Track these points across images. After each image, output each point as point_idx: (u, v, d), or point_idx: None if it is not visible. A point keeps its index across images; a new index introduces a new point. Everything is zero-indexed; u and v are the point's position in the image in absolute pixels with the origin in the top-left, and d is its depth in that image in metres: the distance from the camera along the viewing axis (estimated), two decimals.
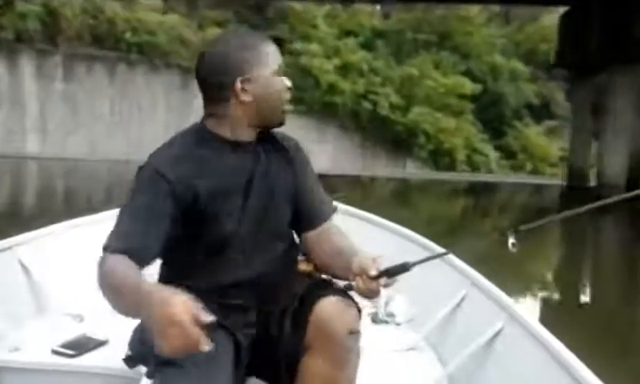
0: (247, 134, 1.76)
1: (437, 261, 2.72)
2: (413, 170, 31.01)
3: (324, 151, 29.41)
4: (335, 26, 30.81)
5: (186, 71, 26.91)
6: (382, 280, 1.73)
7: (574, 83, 24.79)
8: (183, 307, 1.29)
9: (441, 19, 33.85)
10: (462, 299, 3.00)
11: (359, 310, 1.77)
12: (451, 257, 3.21)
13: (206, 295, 1.49)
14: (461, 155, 32.49)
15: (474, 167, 33.36)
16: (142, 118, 26.61)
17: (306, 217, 1.86)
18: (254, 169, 1.76)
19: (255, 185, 1.75)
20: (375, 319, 3.12)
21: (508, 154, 35.42)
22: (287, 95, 1.83)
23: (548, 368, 2.24)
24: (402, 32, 33.03)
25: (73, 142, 25.27)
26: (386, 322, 3.12)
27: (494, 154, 34.33)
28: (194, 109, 27.95)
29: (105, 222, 3.01)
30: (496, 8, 36.85)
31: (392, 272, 1.78)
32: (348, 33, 30.90)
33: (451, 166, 32.54)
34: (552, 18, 38.76)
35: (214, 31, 27.04)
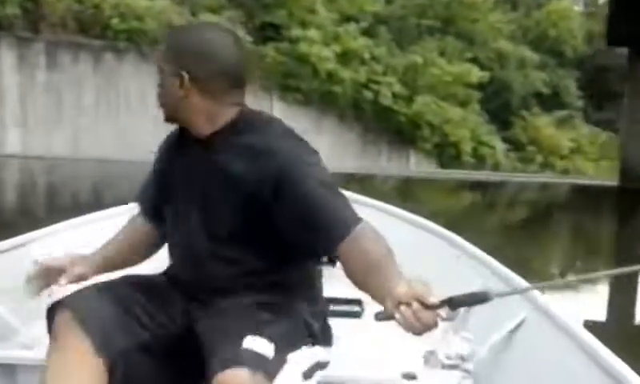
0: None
1: (454, 250, 3.21)
2: (425, 169, 29.88)
3: (321, 143, 28.30)
4: (335, 10, 29.67)
5: None
6: (443, 310, 1.52)
7: (633, 61, 22.72)
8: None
9: (445, 4, 32.77)
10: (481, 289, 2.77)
11: None
12: (472, 247, 3.31)
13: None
14: (467, 147, 31.45)
15: (479, 160, 32.32)
16: (130, 110, 25.58)
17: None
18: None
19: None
20: (435, 362, 2.76)
21: (516, 145, 34.40)
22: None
23: (574, 358, 2.21)
24: (405, 17, 31.95)
25: (56, 137, 24.26)
26: (454, 367, 2.74)
27: (501, 146, 33.28)
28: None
29: (119, 216, 3.13)
30: None
31: (461, 302, 1.60)
32: (348, 18, 29.74)
33: (456, 159, 31.53)
34: (561, 2, 37.80)
35: (206, 17, 26.06)
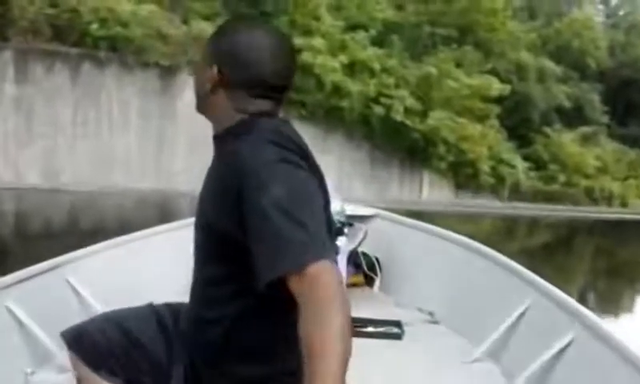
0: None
1: (498, 268, 3.46)
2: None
3: (327, 163, 25.34)
4: (341, 17, 26.74)
5: (165, 71, 23.08)
6: None
7: None
8: None
9: (462, 12, 29.73)
10: (527, 308, 2.99)
11: None
12: (514, 264, 3.32)
13: None
14: (485, 166, 28.44)
15: (498, 180, 29.31)
16: (112, 128, 22.67)
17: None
18: None
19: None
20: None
21: (537, 164, 31.33)
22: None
23: (627, 380, 2.17)
24: (418, 26, 28.95)
25: (27, 160, 21.34)
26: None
27: (522, 165, 30.21)
28: (177, 114, 24.25)
29: (148, 238, 3.37)
30: (518, 1, 32.88)
31: None
32: (356, 26, 26.78)
33: (474, 179, 28.53)
34: (583, 12, 34.97)
35: (200, 26, 23.28)
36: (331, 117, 25.79)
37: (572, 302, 2.76)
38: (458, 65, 28.67)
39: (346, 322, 1.33)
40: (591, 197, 31.81)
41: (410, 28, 28.86)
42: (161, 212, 14.81)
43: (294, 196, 1.44)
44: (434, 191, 28.19)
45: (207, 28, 21.04)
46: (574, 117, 33.13)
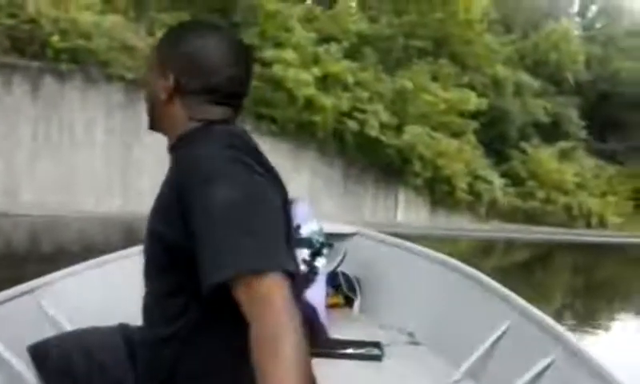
0: None
1: (479, 287, 3.47)
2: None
3: (299, 181, 25.36)
4: (314, 29, 26.73)
5: (131, 84, 22.81)
6: None
7: None
8: None
9: (437, 24, 29.94)
10: (508, 329, 3.07)
11: None
12: (495, 284, 3.39)
13: None
14: (462, 183, 28.53)
15: (475, 197, 29.45)
16: (75, 144, 22.34)
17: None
18: None
19: None
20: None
21: (514, 180, 31.56)
22: None
23: None
24: (392, 38, 29.02)
25: None
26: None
27: (499, 182, 30.40)
28: (143, 130, 23.82)
29: (126, 259, 3.36)
30: (495, 14, 33.19)
31: None
32: (329, 38, 26.78)
33: (450, 196, 28.64)
34: (561, 25, 35.41)
35: None
36: (303, 132, 25.72)
37: (552, 323, 2.82)
38: (434, 78, 28.82)
39: (299, 346, 1.27)
40: (570, 214, 32.11)
41: (384, 40, 28.97)
42: (128, 234, 14.58)
43: (245, 199, 1.40)
44: (409, 209, 28.25)
45: None
46: (551, 132, 33.48)
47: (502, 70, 32.14)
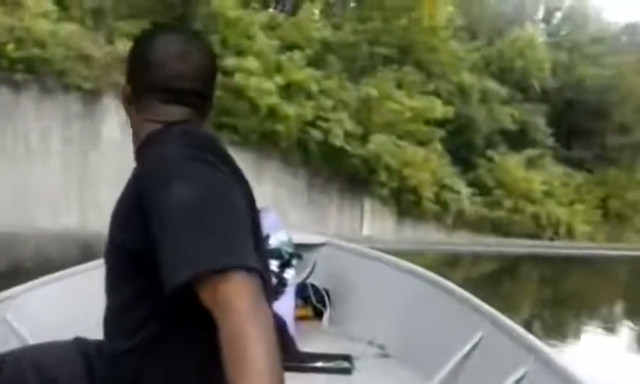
0: None
1: (451, 298, 3.45)
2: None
3: (262, 192, 25.29)
4: (276, 37, 26.75)
5: (88, 94, 22.65)
6: None
7: None
8: None
9: (402, 31, 30.18)
10: (480, 340, 3.05)
11: None
12: (467, 295, 3.37)
13: None
14: (428, 193, 28.74)
15: (442, 207, 29.66)
16: (31, 156, 22.09)
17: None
18: None
19: None
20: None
21: (481, 189, 31.86)
22: None
23: None
24: (357, 45, 29.18)
25: None
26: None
27: (466, 191, 30.67)
28: (101, 141, 23.80)
29: (88, 272, 3.37)
30: (459, 21, 33.54)
31: None
32: (292, 46, 26.84)
33: (416, 206, 28.82)
34: (526, 31, 35.87)
35: (126, 46, 22.93)
36: (266, 142, 25.74)
37: (525, 334, 2.81)
38: (399, 86, 29.02)
39: (270, 348, 1.22)
40: (538, 223, 32.49)
41: (348, 48, 29.14)
42: (86, 250, 14.44)
43: (206, 197, 1.37)
44: (375, 219, 28.39)
45: None
46: (518, 139, 33.87)
47: (467, 77, 32.46)
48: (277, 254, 4.26)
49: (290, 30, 27.70)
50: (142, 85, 1.65)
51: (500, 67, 34.94)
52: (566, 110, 36.88)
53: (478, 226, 31.09)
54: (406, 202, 28.62)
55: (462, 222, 30.46)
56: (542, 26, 41.10)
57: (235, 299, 1.25)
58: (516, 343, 2.80)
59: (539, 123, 34.98)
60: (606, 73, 37.69)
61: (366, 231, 28.00)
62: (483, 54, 34.70)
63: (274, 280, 4.13)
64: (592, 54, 38.78)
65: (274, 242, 4.34)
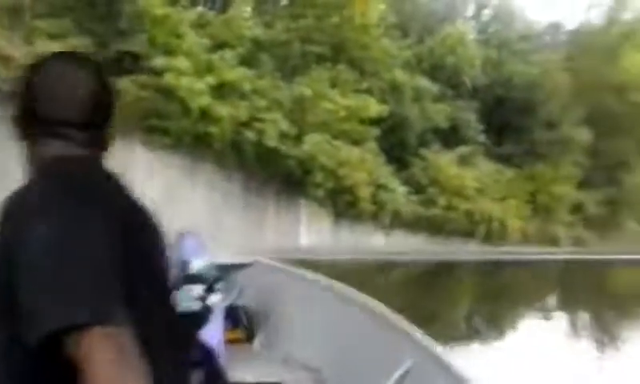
0: None
1: (382, 322, 3.48)
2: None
3: (196, 197, 24.18)
4: (206, 35, 25.49)
5: (6, 97, 20.80)
6: None
7: None
8: None
9: (334, 28, 29.29)
10: (411, 367, 3.05)
11: None
12: (397, 320, 3.41)
13: None
14: (365, 193, 27.93)
15: (379, 206, 28.92)
16: None
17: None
18: None
19: None
20: None
21: (416, 187, 31.24)
22: None
23: None
24: (289, 43, 28.13)
25: None
26: None
27: (401, 189, 30.00)
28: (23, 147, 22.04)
29: None
30: (391, 18, 32.88)
31: None
32: (223, 45, 25.63)
33: (353, 207, 27.99)
34: (456, 28, 35.55)
35: (46, 46, 21.41)
36: (199, 144, 24.48)
37: (453, 361, 2.88)
38: (333, 85, 28.11)
39: None
40: (471, 220, 32.12)
41: (281, 46, 28.07)
42: None
43: (63, 242, 1.28)
44: (312, 221, 27.43)
45: (55, 48, 19.28)
46: (451, 137, 33.41)
47: (400, 75, 31.81)
48: (199, 279, 4.02)
49: (220, 28, 26.44)
50: (27, 116, 1.54)
51: (431, 64, 34.39)
52: (496, 106, 36.65)
53: (413, 225, 30.48)
54: (342, 203, 27.75)
55: (398, 221, 29.78)
56: (472, 23, 40.79)
57: (92, 357, 1.20)
58: (444, 371, 2.83)
59: (471, 120, 34.59)
60: (533, 70, 37.69)
61: (303, 233, 27.04)
62: (415, 52, 34.09)
63: (199, 306, 3.90)
64: (520, 52, 38.71)
65: (195, 266, 4.14)
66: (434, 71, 34.22)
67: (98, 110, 1.53)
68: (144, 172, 23.18)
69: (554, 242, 35.60)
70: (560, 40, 44.17)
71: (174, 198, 23.90)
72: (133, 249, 1.38)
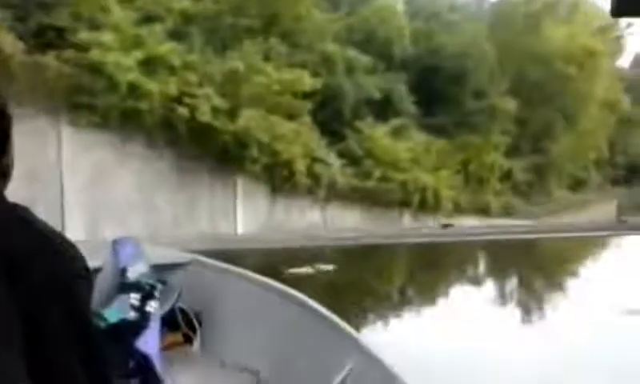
0: None
1: (322, 322, 3.39)
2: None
3: (125, 177, 23.07)
4: (133, 8, 24.26)
5: None
6: None
7: None
8: None
9: (265, 0, 28.27)
10: (351, 370, 3.01)
11: None
12: (338, 320, 3.41)
13: None
14: (301, 166, 27.22)
15: (314, 180, 28.25)
16: None
17: None
18: None
19: None
20: None
21: (352, 160, 30.68)
22: None
23: None
24: (219, 16, 27.01)
25: None
26: None
27: (337, 162, 29.39)
28: None
29: None
30: None
31: None
32: (150, 18, 24.42)
33: (289, 181, 27.24)
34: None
35: None
36: (128, 122, 23.24)
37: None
38: (266, 58, 27.17)
39: None
40: (406, 190, 31.80)
41: (211, 19, 26.90)
42: None
43: None
44: (248, 199, 26.57)
45: None
46: (383, 109, 32.90)
47: (332, 48, 31.05)
48: (137, 287, 3.88)
49: (147, 0, 25.11)
50: None
51: (362, 36, 33.72)
52: (426, 77, 36.20)
53: (349, 197, 29.94)
54: (278, 178, 26.94)
55: (334, 194, 29.19)
56: None
57: None
58: (383, 373, 2.79)
59: (402, 92, 34.11)
60: (461, 40, 37.46)
61: (239, 211, 26.17)
62: (346, 23, 33.35)
63: (136, 315, 3.76)
64: (448, 23, 38.45)
65: (132, 274, 4.01)
66: (365, 43, 33.56)
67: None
68: (71, 152, 21.94)
69: (485, 210, 35.63)
70: (485, 11, 44.24)
71: (103, 177, 22.76)
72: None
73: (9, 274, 1.25)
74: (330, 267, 18.20)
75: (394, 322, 13.56)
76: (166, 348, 4.29)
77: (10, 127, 1.45)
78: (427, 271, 22.11)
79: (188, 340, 4.72)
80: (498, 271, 21.26)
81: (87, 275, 1.42)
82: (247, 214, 26.43)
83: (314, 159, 28.30)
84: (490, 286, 18.76)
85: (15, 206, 1.40)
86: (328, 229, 28.15)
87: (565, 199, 41.19)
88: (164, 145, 24.31)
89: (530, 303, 15.46)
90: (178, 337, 4.70)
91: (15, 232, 1.32)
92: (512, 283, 19.33)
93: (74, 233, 20.29)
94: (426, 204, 32.46)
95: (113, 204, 22.89)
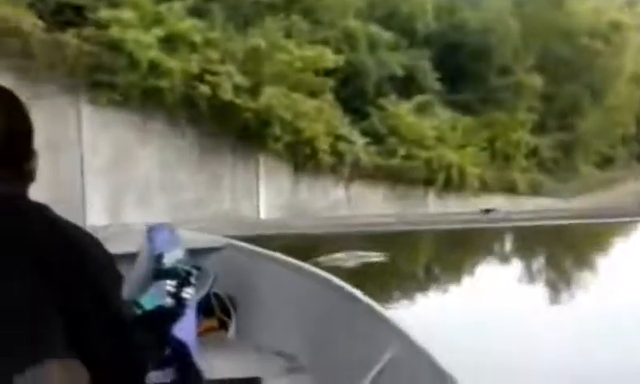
0: None
1: (361, 307, 3.32)
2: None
3: (147, 156, 22.65)
4: None
5: None
6: None
7: None
8: None
9: None
10: (392, 357, 2.93)
11: None
12: (377, 306, 3.33)
13: None
14: (324, 144, 26.71)
15: (338, 158, 27.72)
16: None
17: None
18: None
19: None
20: None
21: (374, 138, 30.05)
22: None
23: None
24: None
25: None
26: None
27: (360, 140, 28.80)
28: None
29: None
30: None
31: None
32: None
33: (312, 159, 26.72)
34: None
35: None
36: (149, 100, 22.83)
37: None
38: (288, 35, 26.59)
39: None
40: (430, 168, 31.21)
41: None
42: None
43: None
44: (271, 176, 26.10)
45: None
46: (407, 86, 32.22)
47: (354, 24, 30.40)
48: (173, 273, 3.89)
49: None
50: None
51: (385, 12, 33.02)
52: (450, 54, 35.45)
53: (373, 176, 29.39)
54: (301, 156, 26.43)
55: (357, 173, 28.64)
56: None
57: None
58: (427, 364, 2.68)
59: (426, 68, 33.37)
60: (485, 15, 36.62)
61: (262, 190, 25.71)
62: (368, 0, 32.65)
63: (172, 302, 3.74)
64: None
65: (168, 260, 4.09)
66: (387, 19, 32.87)
67: (19, 143, 1.45)
68: (91, 130, 21.54)
69: (511, 188, 34.92)
70: None
71: (124, 156, 22.36)
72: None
73: (40, 266, 1.27)
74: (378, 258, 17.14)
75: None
76: (201, 334, 4.31)
77: (32, 135, 1.47)
78: (477, 261, 21.41)
79: (223, 325, 4.74)
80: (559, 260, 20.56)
81: (113, 264, 1.46)
82: (270, 194, 25.97)
83: (337, 137, 27.74)
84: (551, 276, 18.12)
85: (38, 204, 1.44)
86: (353, 209, 27.58)
87: (591, 176, 40.26)
88: (185, 123, 23.87)
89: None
90: (213, 322, 4.73)
91: (41, 224, 1.36)
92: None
93: (96, 214, 19.92)
94: (451, 182, 31.83)
95: (134, 183, 22.52)
